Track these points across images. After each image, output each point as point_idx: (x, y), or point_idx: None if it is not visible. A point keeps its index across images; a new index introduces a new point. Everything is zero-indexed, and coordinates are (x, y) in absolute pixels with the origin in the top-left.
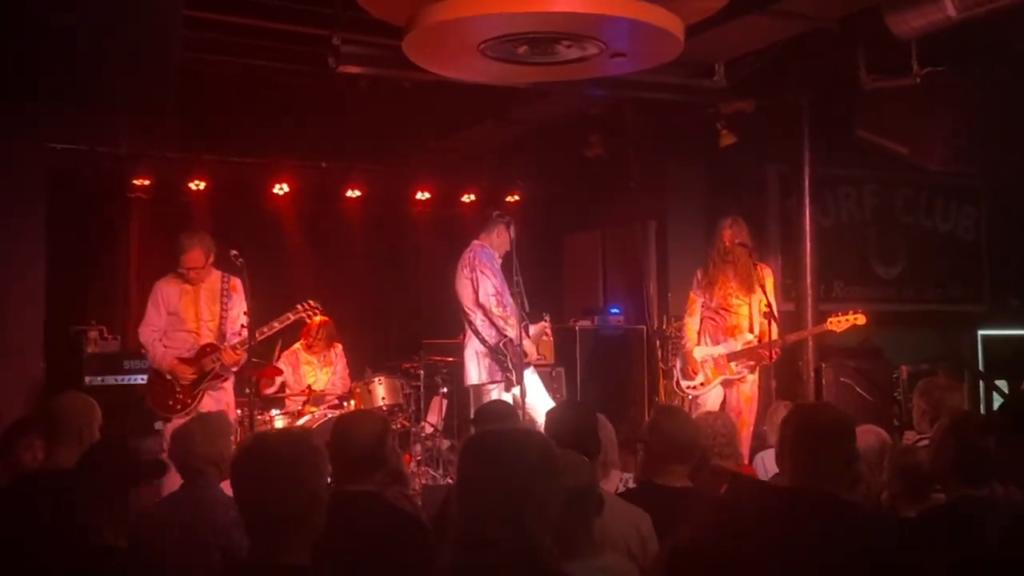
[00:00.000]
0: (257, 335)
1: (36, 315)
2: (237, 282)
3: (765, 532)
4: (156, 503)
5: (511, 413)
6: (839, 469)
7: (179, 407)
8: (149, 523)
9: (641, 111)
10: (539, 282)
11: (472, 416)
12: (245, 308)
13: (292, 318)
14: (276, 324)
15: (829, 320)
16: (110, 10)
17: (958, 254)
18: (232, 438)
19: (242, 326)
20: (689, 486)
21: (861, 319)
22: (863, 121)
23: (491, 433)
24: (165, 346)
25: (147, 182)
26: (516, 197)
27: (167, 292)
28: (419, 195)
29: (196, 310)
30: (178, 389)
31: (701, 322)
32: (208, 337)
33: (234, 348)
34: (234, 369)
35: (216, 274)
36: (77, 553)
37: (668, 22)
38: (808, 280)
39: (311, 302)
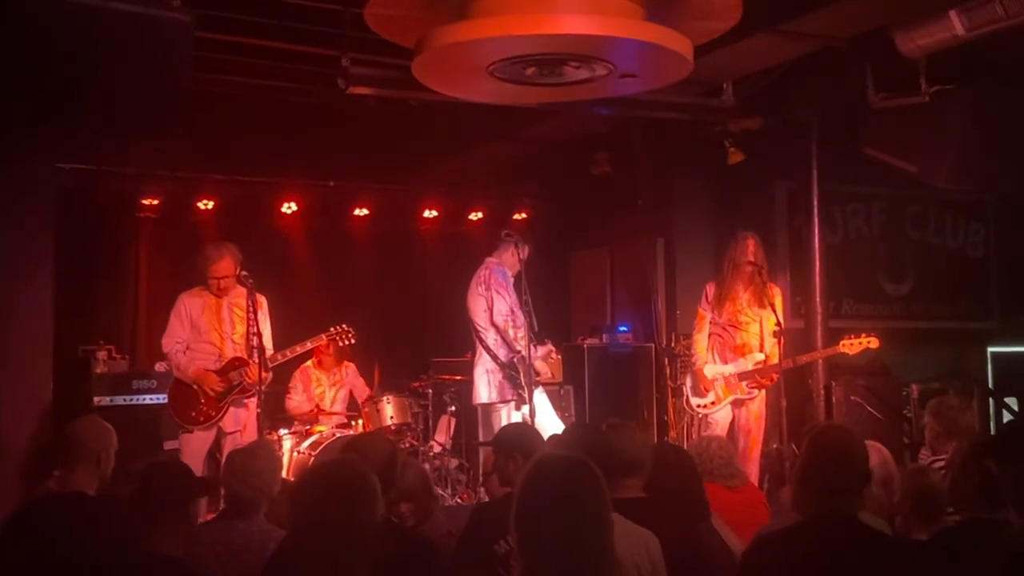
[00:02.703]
0: (289, 353)
1: (45, 334)
2: (263, 299)
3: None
4: (200, 526)
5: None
6: (857, 491)
7: (202, 419)
8: (194, 547)
9: (648, 128)
10: (547, 300)
11: (494, 440)
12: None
13: (324, 339)
14: (309, 343)
15: (842, 343)
16: (120, 32)
17: (967, 271)
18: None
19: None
20: (643, 496)
21: (874, 343)
22: (871, 139)
23: (563, 459)
24: (189, 358)
25: (155, 201)
26: (523, 215)
27: (190, 305)
28: (426, 213)
29: (219, 324)
30: (203, 400)
31: (708, 338)
32: (233, 351)
33: (260, 366)
34: (260, 387)
35: (240, 288)
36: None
37: (677, 43)
38: (817, 298)
39: (344, 326)
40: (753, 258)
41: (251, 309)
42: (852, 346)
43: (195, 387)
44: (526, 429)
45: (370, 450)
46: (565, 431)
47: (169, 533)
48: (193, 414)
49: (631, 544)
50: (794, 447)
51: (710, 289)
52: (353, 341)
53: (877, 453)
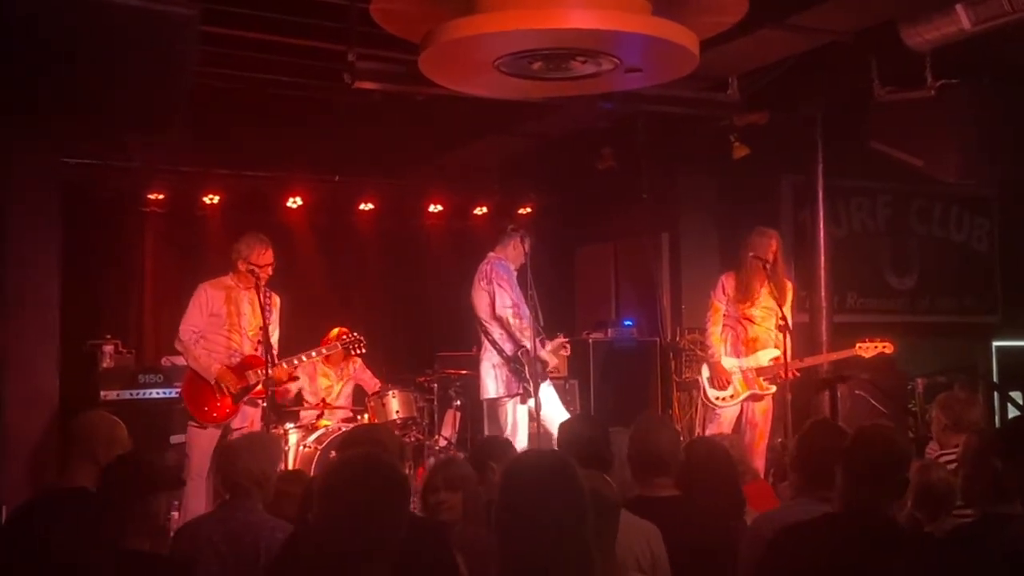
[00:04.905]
0: (305, 358)
1: (51, 329)
2: (277, 299)
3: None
4: (199, 518)
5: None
6: (894, 493)
7: (215, 414)
8: (192, 539)
9: (653, 123)
10: (552, 294)
11: (470, 454)
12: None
13: (340, 347)
14: (324, 350)
15: (858, 345)
16: (126, 27)
17: (972, 265)
18: (280, 462)
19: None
20: (677, 494)
21: (889, 348)
22: (877, 133)
23: (540, 454)
24: (205, 349)
25: (161, 196)
26: (528, 209)
27: (213, 296)
28: (432, 208)
29: (238, 318)
30: (218, 397)
31: (721, 330)
32: (248, 348)
33: (268, 364)
34: (274, 388)
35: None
36: (107, 558)
37: (684, 38)
38: (822, 292)
39: (357, 334)
40: (775, 257)
41: (265, 306)
42: (867, 349)
43: (213, 383)
44: (495, 439)
45: (386, 442)
46: (564, 425)
47: (135, 528)
48: (207, 409)
49: (631, 537)
50: (782, 441)
51: (728, 281)
52: (364, 351)
53: None
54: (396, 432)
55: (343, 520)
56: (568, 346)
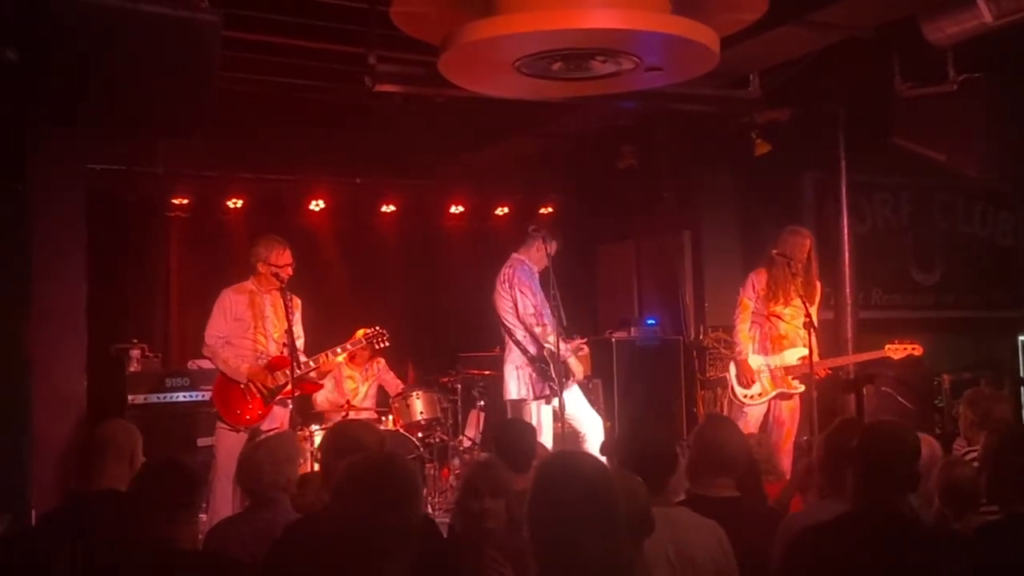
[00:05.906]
0: (331, 355)
1: (78, 334)
2: (299, 301)
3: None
4: (227, 520)
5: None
6: (906, 487)
7: (248, 417)
8: (221, 539)
9: (674, 121)
10: (574, 294)
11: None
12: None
13: (364, 342)
14: (349, 346)
15: (887, 347)
16: (148, 33)
17: (996, 260)
18: (300, 460)
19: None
20: (737, 495)
21: (918, 350)
22: (900, 128)
23: (573, 454)
24: (232, 353)
25: (185, 201)
26: (549, 209)
27: (235, 301)
28: (453, 208)
29: (263, 321)
30: (250, 400)
31: (749, 327)
32: (273, 349)
33: (295, 365)
34: (295, 393)
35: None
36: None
37: (704, 36)
38: (847, 289)
39: (379, 328)
40: (809, 257)
41: (288, 309)
42: (897, 351)
43: (243, 386)
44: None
45: (360, 436)
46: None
47: (178, 528)
48: (238, 412)
49: (703, 536)
50: (807, 439)
51: (758, 278)
52: (388, 344)
53: (927, 447)
54: (420, 433)
55: (352, 518)
56: (586, 347)
